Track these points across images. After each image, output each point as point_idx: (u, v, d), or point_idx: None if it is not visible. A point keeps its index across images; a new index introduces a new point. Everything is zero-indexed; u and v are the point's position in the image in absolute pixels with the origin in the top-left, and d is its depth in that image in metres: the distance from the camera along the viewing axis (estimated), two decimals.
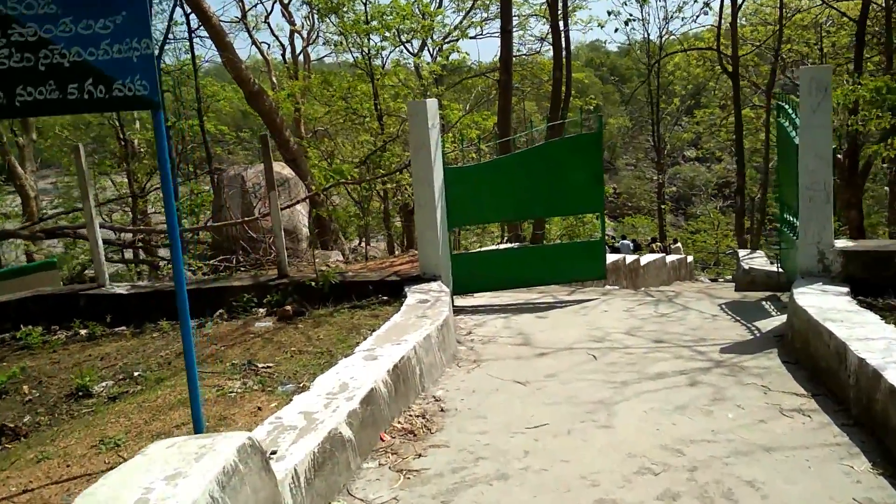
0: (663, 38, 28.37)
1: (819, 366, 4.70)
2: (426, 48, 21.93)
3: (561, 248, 8.07)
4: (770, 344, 5.79)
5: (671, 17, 32.35)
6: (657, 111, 31.97)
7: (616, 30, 45.14)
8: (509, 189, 7.83)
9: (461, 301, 8.05)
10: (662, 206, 34.64)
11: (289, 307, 6.81)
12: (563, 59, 12.27)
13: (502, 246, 8.43)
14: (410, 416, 4.42)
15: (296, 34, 29.55)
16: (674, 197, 48.17)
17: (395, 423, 4.25)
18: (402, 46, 20.57)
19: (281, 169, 12.86)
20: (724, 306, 7.27)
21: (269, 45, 31.48)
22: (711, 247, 36.02)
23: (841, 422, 4.05)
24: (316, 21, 27.06)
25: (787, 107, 7.29)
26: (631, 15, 21.04)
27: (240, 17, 29.39)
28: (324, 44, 24.78)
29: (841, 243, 6.10)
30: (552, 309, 7.60)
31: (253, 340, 6.09)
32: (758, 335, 6.13)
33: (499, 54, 11.34)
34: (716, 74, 24.96)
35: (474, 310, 7.70)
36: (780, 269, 8.13)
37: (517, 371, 5.37)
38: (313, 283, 7.46)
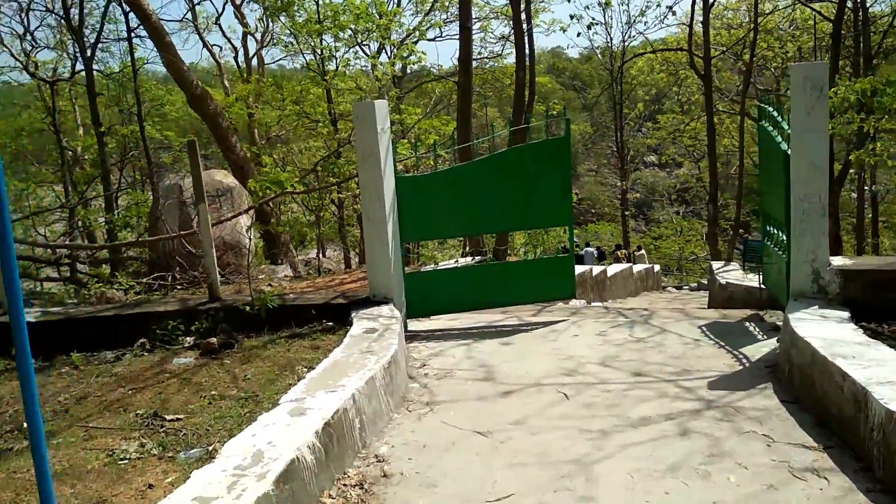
0: (626, 44, 28.04)
1: (829, 410, 4.01)
2: (384, 51, 21.10)
3: (526, 265, 7.32)
4: (762, 377, 5.11)
5: (634, 21, 31.96)
6: (620, 117, 31.60)
7: (578, 34, 45.00)
8: (469, 200, 7.07)
9: (416, 325, 7.24)
10: (626, 213, 34.29)
11: (214, 340, 5.92)
12: (527, 60, 11.55)
13: (461, 263, 7.66)
14: (345, 486, 3.59)
15: (249, 36, 28.46)
16: (635, 203, 48.13)
17: (324, 498, 3.42)
18: (357, 48, 19.76)
19: (223, 178, 11.90)
20: (705, 329, 6.60)
21: (220, 49, 30.24)
22: (675, 253, 35.87)
23: (866, 486, 3.35)
24: (270, 23, 26.04)
25: (772, 110, 6.67)
26: (593, 19, 20.51)
27: (190, 18, 28.28)
28: (275, 45, 23.73)
29: (838, 261, 5.47)
30: (517, 333, 6.84)
31: (168, 381, 5.20)
32: (747, 365, 5.45)
33: (458, 55, 10.65)
34: (679, 80, 24.65)
35: (431, 335, 6.90)
36: (763, 286, 7.52)
37: (477, 417, 4.58)
38: (248, 308, 6.59)
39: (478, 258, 9.06)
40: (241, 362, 5.55)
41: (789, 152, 6.08)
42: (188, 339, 6.57)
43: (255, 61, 29.38)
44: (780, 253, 6.54)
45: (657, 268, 20.41)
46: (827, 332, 4.56)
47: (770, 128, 6.68)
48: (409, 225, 6.96)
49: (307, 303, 6.88)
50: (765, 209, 7.14)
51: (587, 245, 28.23)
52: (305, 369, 5.11)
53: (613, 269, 15.23)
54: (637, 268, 17.23)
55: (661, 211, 50.27)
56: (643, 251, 27.82)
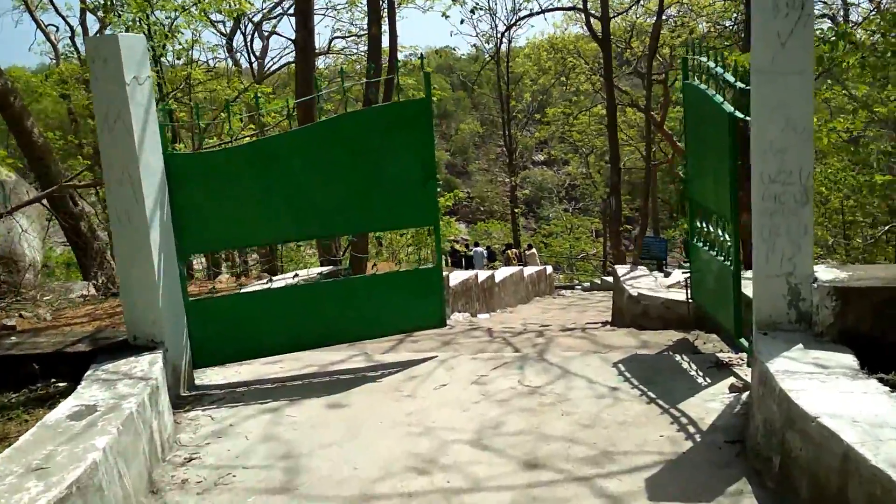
0: (512, 31, 26.42)
1: None
2: (239, 30, 18.43)
3: (373, 283, 5.12)
4: (728, 466, 3.19)
5: (519, 7, 30.34)
6: (507, 110, 30.12)
7: (462, 21, 43.20)
8: (285, 190, 4.81)
9: (212, 376, 4.91)
10: (516, 210, 32.93)
11: None
12: (384, 13, 9.34)
13: (277, 282, 5.35)
14: None
15: (88, 14, 24.70)
16: (525, 200, 47.31)
17: None
18: (208, 22, 17.00)
19: None
20: (623, 369, 4.66)
21: (57, 29, 26.36)
22: (566, 251, 34.93)
23: None
24: None
25: (705, 59, 4.83)
26: (477, 3, 18.87)
27: None
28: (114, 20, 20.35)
29: (827, 274, 3.62)
30: (359, 384, 4.65)
31: None
32: (697, 438, 3.51)
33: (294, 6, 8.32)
34: (567, 69, 23.34)
35: (229, 393, 4.59)
36: (690, 300, 5.71)
37: None
38: None
39: (323, 270, 6.79)
40: None
41: (738, 114, 4.25)
42: None
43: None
44: (721, 259, 4.71)
45: (550, 269, 18.84)
46: (848, 402, 2.66)
47: (703, 85, 4.85)
48: (191, 228, 4.62)
49: (30, 351, 4.45)
50: (694, 198, 5.31)
51: (476, 245, 26.53)
52: None
53: (502, 273, 13.37)
54: (528, 271, 15.50)
55: (549, 208, 49.76)
56: (534, 250, 26.40)
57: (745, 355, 4.61)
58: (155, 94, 11.74)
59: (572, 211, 45.80)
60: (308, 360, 5.17)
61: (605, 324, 8.25)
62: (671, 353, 5.04)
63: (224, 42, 18.48)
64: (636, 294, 6.78)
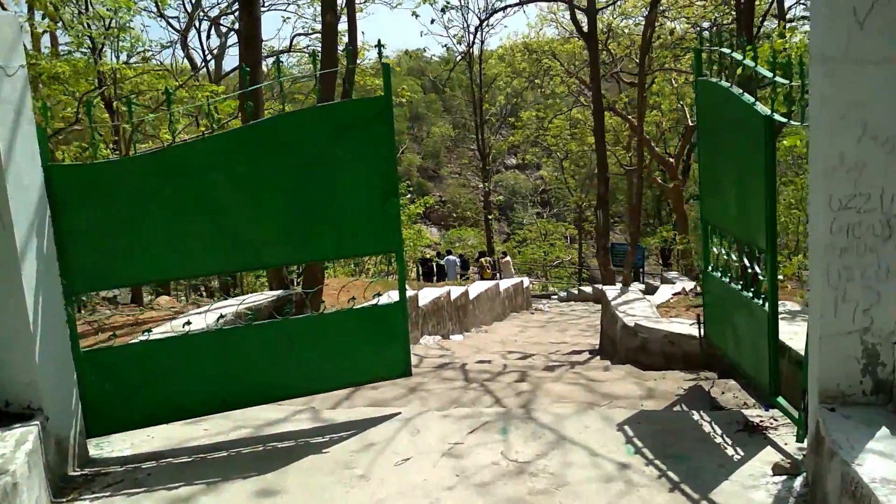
0: (485, 32, 25.61)
1: None
2: (194, 26, 17.28)
3: (321, 324, 4.13)
4: None
5: (492, 6, 29.35)
6: (480, 112, 29.26)
7: (432, 20, 42.43)
8: (208, 210, 3.82)
9: (116, 443, 3.89)
10: (489, 216, 32.06)
11: None
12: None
13: (196, 325, 4.28)
14: None
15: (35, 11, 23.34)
16: (498, 206, 46.64)
17: None
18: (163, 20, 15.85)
19: None
20: (631, 434, 3.75)
21: (22, 28, 24.68)
22: (540, 258, 34.17)
23: None
24: None
25: (728, 51, 3.96)
26: (448, 2, 17.97)
27: None
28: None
29: None
30: (301, 456, 3.67)
31: None
32: None
33: None
34: (542, 70, 22.52)
35: (130, 473, 3.57)
36: (702, 335, 4.84)
37: None
38: None
39: (266, 297, 5.78)
40: None
41: (777, 117, 3.38)
42: None
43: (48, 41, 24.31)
44: (749, 296, 3.83)
45: (526, 282, 17.97)
46: None
47: (726, 83, 3.97)
48: (81, 260, 3.60)
49: None
50: (711, 219, 4.43)
51: (448, 253, 25.55)
52: None
53: (476, 288, 12.45)
54: (504, 284, 14.61)
55: (523, 213, 49.14)
56: (508, 258, 25.55)
57: (778, 413, 3.74)
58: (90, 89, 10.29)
59: (546, 216, 45.19)
60: (240, 418, 4.18)
61: (592, 353, 7.37)
62: (687, 410, 4.15)
63: (178, 39, 17.30)
64: (632, 325, 5.90)
